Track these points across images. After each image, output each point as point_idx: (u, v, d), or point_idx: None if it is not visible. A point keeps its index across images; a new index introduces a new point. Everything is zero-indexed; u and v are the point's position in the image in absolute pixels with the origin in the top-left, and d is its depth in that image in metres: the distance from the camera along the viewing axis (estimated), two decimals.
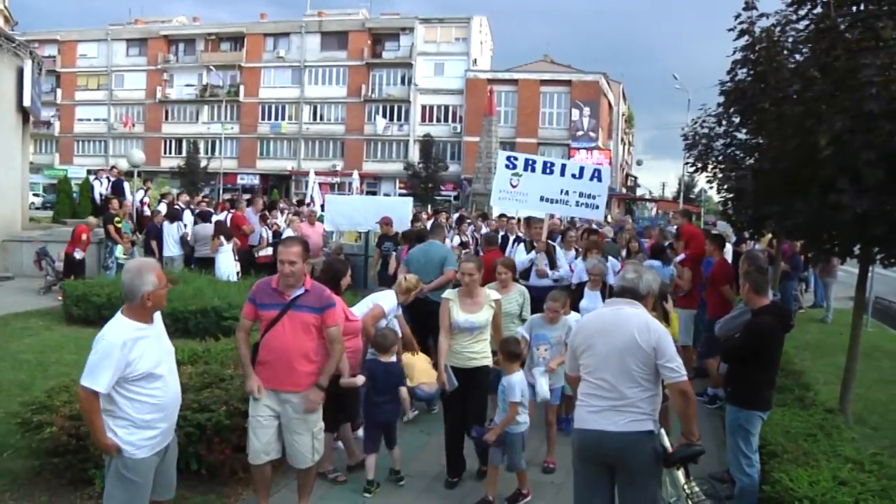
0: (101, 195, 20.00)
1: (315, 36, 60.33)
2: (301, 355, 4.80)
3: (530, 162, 9.80)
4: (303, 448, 4.88)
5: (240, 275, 13.36)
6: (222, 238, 13.31)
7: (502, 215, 15.68)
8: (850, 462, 4.63)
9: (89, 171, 31.75)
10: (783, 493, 4.27)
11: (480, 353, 5.90)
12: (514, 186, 9.77)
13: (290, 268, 4.74)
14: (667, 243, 11.11)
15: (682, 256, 9.73)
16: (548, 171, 9.71)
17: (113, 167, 23.64)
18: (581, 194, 9.66)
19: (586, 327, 4.36)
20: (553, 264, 9.45)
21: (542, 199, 9.73)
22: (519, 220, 14.51)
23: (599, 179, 9.79)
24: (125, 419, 3.86)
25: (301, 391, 4.82)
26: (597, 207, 9.76)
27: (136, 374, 3.83)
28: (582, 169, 9.74)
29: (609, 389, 4.02)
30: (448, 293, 6.05)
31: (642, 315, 4.14)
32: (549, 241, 10.06)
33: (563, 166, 9.76)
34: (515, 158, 9.91)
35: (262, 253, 14.60)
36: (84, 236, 14.52)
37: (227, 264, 13.24)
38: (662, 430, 4.32)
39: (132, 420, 3.87)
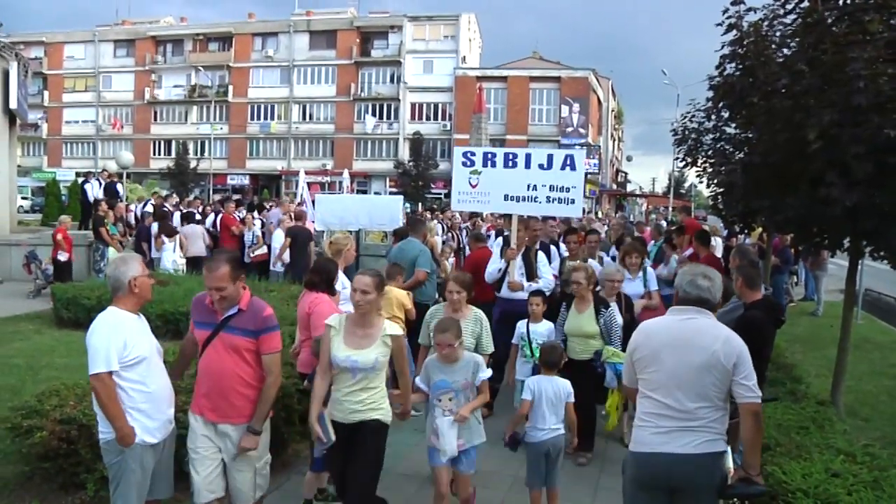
0: (94, 198, 19.88)
1: (303, 35, 60.14)
2: (237, 384, 4.22)
3: (490, 156, 8.30)
4: (243, 486, 4.32)
5: (185, 269, 14.01)
6: (164, 237, 14.18)
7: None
8: (843, 454, 4.62)
9: (78, 174, 31.63)
10: (776, 486, 4.27)
11: (367, 403, 4.43)
12: (473, 186, 8.23)
13: (218, 294, 4.14)
14: (662, 240, 11.12)
15: (690, 251, 9.68)
16: (510, 164, 8.15)
17: (104, 170, 23.51)
18: (552, 188, 8.01)
19: (650, 338, 3.89)
20: (532, 274, 7.95)
21: (506, 197, 8.12)
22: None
23: (573, 167, 7.99)
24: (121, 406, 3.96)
25: (240, 424, 4.25)
26: (572, 202, 7.97)
27: (130, 360, 3.93)
28: (551, 157, 8.04)
29: (680, 408, 3.66)
30: (334, 319, 4.58)
31: (720, 326, 3.80)
32: (547, 243, 9.06)
33: (528, 157, 8.12)
34: (472, 154, 8.40)
35: (257, 252, 14.83)
36: (60, 236, 14.55)
37: (169, 259, 14.11)
38: (729, 448, 4.17)
39: (127, 409, 3.95)
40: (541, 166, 8.02)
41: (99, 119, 64.22)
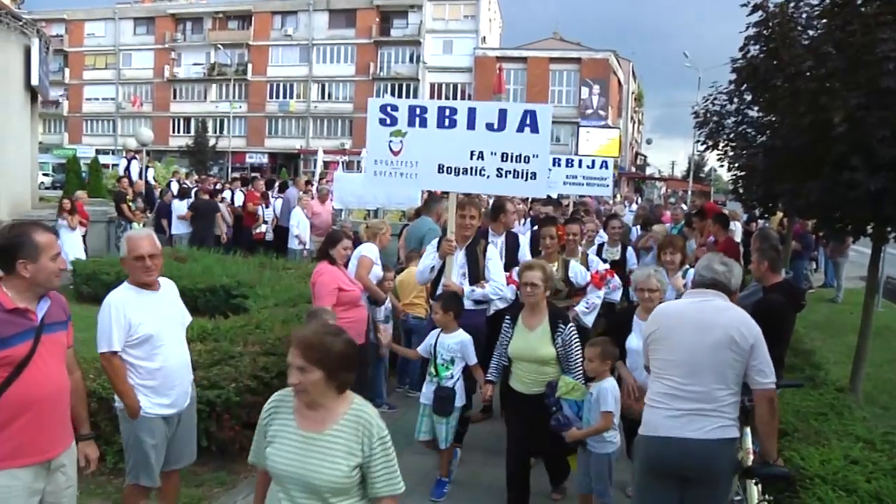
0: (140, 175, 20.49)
1: (323, 14, 59.91)
2: (66, 395, 3.44)
3: (418, 112, 6.01)
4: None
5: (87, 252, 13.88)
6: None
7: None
8: (862, 441, 4.59)
9: (98, 151, 31.82)
10: (794, 472, 4.25)
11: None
12: (395, 153, 6.06)
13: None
14: (682, 223, 11.05)
15: (712, 238, 9.57)
16: (446, 122, 5.92)
17: (131, 150, 24.02)
18: (505, 156, 5.79)
19: (664, 319, 3.83)
20: (477, 276, 5.96)
21: (440, 169, 5.96)
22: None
23: (535, 128, 5.77)
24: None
25: (72, 443, 3.51)
26: (533, 176, 5.80)
27: (135, 338, 3.97)
28: (503, 115, 5.81)
29: (695, 389, 3.57)
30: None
31: (737, 308, 3.75)
32: (515, 234, 7.43)
33: (472, 112, 5.87)
34: (394, 108, 6.09)
35: (259, 230, 15.08)
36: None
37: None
38: (747, 429, 4.16)
39: (136, 385, 4.01)
40: (490, 126, 5.80)
41: (119, 96, 64.47)
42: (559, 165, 12.05)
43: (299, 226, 13.84)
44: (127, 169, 21.51)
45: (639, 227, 11.95)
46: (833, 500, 3.85)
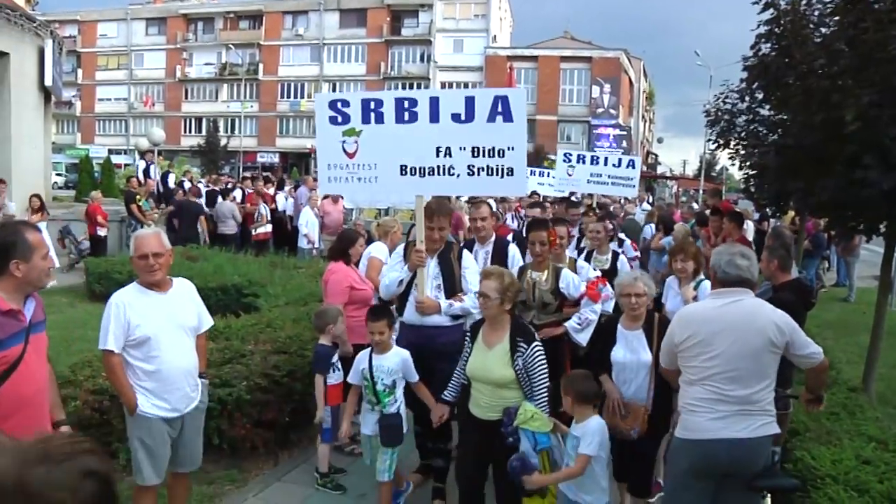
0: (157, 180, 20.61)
1: (334, 13, 60.02)
2: (47, 390, 3.55)
3: (373, 106, 5.25)
4: None
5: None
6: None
7: (534, 193, 14.68)
8: (874, 441, 4.56)
9: (110, 151, 32.03)
10: (805, 472, 4.23)
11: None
12: (350, 155, 5.36)
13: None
14: (692, 222, 11.01)
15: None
16: (406, 116, 5.18)
17: (160, 154, 24.14)
18: (477, 151, 5.06)
19: (700, 325, 3.71)
20: (454, 287, 5.22)
21: (403, 170, 5.25)
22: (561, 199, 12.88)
23: (508, 116, 4.98)
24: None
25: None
26: (510, 173, 5.03)
27: (133, 339, 3.95)
28: (471, 102, 5.01)
29: (738, 395, 3.57)
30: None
31: (767, 306, 3.75)
32: (506, 241, 6.36)
33: (435, 103, 5.13)
34: (345, 104, 5.36)
35: (259, 230, 15.00)
36: (99, 216, 14.75)
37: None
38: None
39: (135, 384, 4.00)
40: (456, 118, 5.06)
41: (131, 97, 64.85)
42: (583, 163, 11.74)
43: (308, 224, 13.87)
44: (146, 172, 21.66)
45: (653, 225, 11.78)
46: (845, 500, 3.82)
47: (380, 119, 5.22)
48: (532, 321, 5.26)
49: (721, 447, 3.56)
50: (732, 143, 9.49)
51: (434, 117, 5.11)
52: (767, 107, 8.58)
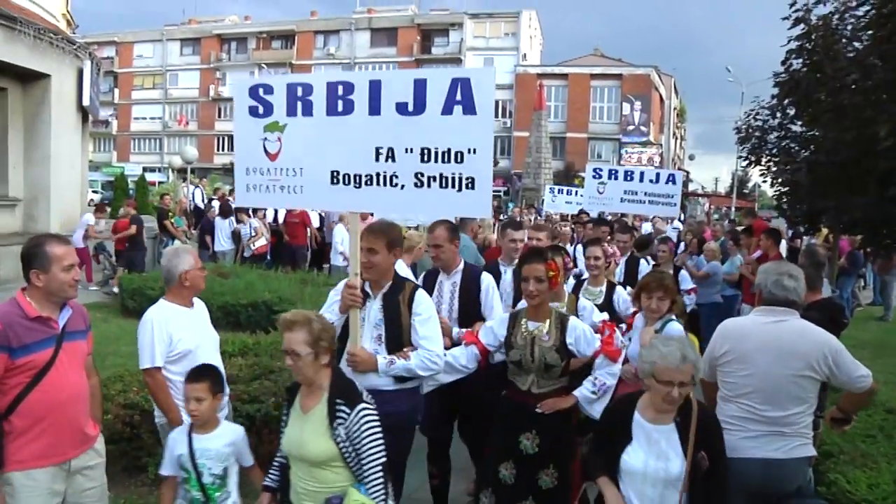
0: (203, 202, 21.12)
1: (365, 32, 60.69)
2: (85, 399, 3.55)
3: (301, 93, 4.07)
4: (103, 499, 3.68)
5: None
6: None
7: (582, 212, 14.18)
8: None
9: (145, 168, 32.51)
10: (840, 496, 4.13)
11: None
12: (272, 157, 4.27)
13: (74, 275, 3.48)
14: (721, 239, 10.88)
15: (758, 253, 9.36)
16: (342, 107, 3.95)
17: (203, 178, 24.95)
18: (427, 154, 3.78)
19: (739, 340, 3.69)
20: (399, 340, 4.02)
21: (335, 178, 4.04)
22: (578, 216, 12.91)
23: (471, 109, 3.64)
24: None
25: (91, 446, 3.58)
26: (471, 184, 3.70)
27: (175, 354, 4.01)
28: (421, 88, 3.73)
29: (773, 416, 3.53)
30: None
31: (812, 329, 3.64)
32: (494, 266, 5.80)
33: (377, 88, 3.86)
34: (267, 89, 4.22)
35: (257, 244, 14.84)
36: (133, 228, 14.80)
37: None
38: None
39: (176, 399, 4.01)
40: (402, 109, 3.78)
41: (165, 115, 66.02)
42: (616, 179, 10.58)
43: (343, 242, 13.90)
44: (192, 196, 22.19)
45: (686, 241, 11.25)
46: None
47: (308, 110, 4.02)
48: (530, 389, 4.07)
49: (754, 466, 3.52)
50: (764, 159, 9.42)
51: (374, 108, 3.84)
52: (799, 123, 8.52)
